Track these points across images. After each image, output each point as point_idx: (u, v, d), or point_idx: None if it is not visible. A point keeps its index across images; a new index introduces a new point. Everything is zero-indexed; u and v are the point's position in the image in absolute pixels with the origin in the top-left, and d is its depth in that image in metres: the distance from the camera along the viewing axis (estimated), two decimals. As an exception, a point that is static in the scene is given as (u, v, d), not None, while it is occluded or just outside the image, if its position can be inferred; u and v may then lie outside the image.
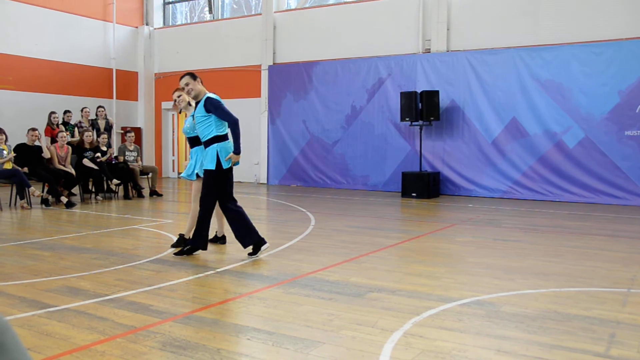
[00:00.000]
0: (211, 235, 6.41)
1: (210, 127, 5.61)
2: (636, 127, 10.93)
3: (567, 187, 11.58)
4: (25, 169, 9.99)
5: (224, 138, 5.70)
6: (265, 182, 15.64)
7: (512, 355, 3.13)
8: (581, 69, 11.37)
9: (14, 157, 9.95)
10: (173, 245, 6.22)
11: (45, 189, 10.28)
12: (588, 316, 3.84)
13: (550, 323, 3.69)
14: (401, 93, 12.65)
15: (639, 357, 3.12)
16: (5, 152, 9.81)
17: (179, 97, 6.30)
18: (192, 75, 5.72)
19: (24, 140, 10.47)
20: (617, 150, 11.10)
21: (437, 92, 12.36)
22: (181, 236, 6.25)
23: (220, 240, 6.55)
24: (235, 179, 17.98)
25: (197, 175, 6.11)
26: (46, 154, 10.36)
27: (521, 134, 12.02)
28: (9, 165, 9.78)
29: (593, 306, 4.09)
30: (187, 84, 5.69)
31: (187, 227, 6.25)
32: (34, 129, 10.46)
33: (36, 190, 9.88)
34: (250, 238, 5.74)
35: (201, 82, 5.80)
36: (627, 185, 11.02)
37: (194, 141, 6.24)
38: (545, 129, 11.76)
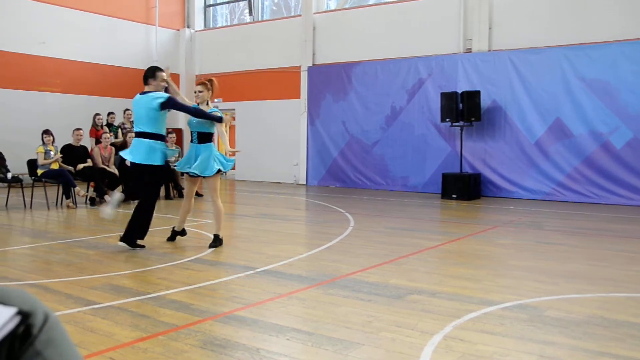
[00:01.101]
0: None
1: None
2: (687, 128, 10.55)
3: (613, 189, 11.25)
4: (72, 169, 10.25)
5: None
6: (305, 183, 15.68)
7: (557, 361, 3.05)
8: (630, 67, 11.02)
9: (61, 158, 10.22)
10: (211, 246, 6.29)
11: (90, 188, 10.54)
12: (637, 323, 3.72)
13: (597, 329, 3.59)
14: (442, 93, 12.51)
15: (691, 365, 3.01)
16: (52, 152, 10.09)
17: (200, 92, 6.44)
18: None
19: (71, 141, 10.74)
20: (666, 152, 10.73)
21: (479, 92, 12.18)
22: (216, 236, 6.37)
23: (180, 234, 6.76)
24: (274, 180, 18.03)
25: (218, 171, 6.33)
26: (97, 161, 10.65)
27: (565, 135, 11.74)
28: (55, 166, 10.05)
29: (641, 312, 3.96)
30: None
31: (216, 225, 6.41)
32: (78, 129, 10.73)
33: (81, 190, 10.13)
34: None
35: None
36: (677, 188, 10.65)
37: (202, 137, 6.39)
38: (590, 129, 11.45)
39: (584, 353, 3.17)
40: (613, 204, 11.02)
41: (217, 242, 6.30)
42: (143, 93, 6.14)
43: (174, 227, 6.71)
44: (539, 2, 12.25)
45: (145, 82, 6.18)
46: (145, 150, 5.90)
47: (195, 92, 6.49)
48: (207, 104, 6.56)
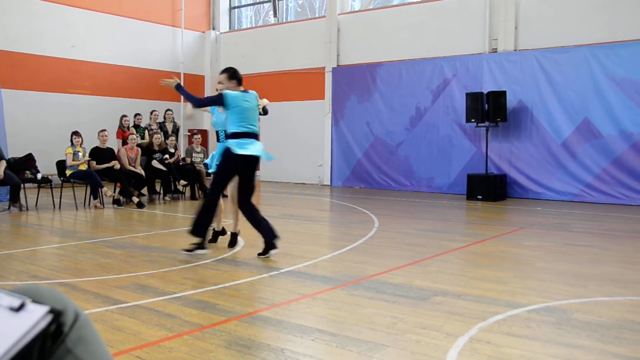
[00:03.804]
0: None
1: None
2: None
3: (643, 190, 11.04)
4: (94, 163, 10.39)
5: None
6: (329, 183, 15.68)
7: (585, 365, 3.00)
8: (660, 66, 10.81)
9: (89, 160, 10.37)
10: (229, 245, 6.41)
11: (117, 189, 10.68)
12: (668, 326, 3.64)
13: (628, 333, 3.52)
14: (467, 94, 12.40)
15: None
16: (80, 154, 10.25)
17: (220, 83, 6.12)
18: (229, 75, 5.92)
19: (98, 142, 10.90)
20: (699, 152, 10.49)
21: (504, 92, 12.05)
22: (233, 235, 6.51)
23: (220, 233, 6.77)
24: (298, 181, 18.07)
25: None
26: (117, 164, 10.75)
27: (594, 135, 11.54)
28: (83, 167, 10.21)
29: (673, 316, 3.88)
30: (220, 82, 6.02)
31: (235, 224, 6.49)
32: (103, 130, 10.85)
33: (108, 190, 10.27)
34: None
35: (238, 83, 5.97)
36: None
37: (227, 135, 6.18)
38: (620, 129, 11.24)
39: (615, 358, 3.11)
40: (643, 206, 10.81)
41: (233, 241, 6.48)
42: (245, 91, 5.91)
43: (214, 228, 6.65)
44: (566, 0, 12.07)
45: (240, 83, 5.99)
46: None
47: (217, 90, 6.20)
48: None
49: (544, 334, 3.50)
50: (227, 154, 5.79)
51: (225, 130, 6.12)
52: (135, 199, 10.36)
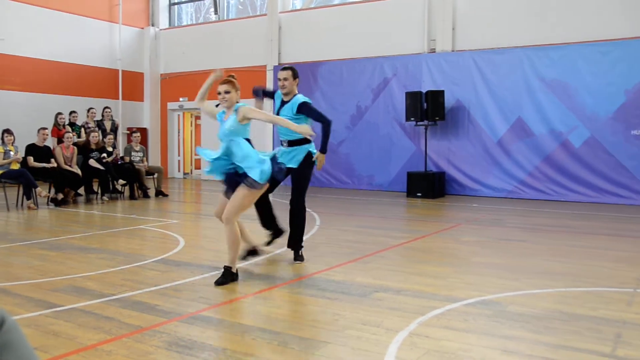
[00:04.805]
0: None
1: None
2: (642, 127, 10.90)
3: (572, 186, 11.55)
4: (32, 159, 10.06)
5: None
6: (271, 182, 15.62)
7: (518, 355, 3.12)
8: (588, 68, 11.33)
9: (21, 158, 10.00)
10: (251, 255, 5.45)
11: (52, 189, 10.34)
12: (594, 316, 3.83)
13: (557, 323, 3.68)
14: (406, 93, 12.64)
15: (645, 357, 3.11)
16: (12, 152, 9.86)
17: (226, 93, 4.85)
18: (295, 73, 5.75)
19: (31, 141, 10.52)
20: (623, 150, 11.06)
21: (443, 91, 12.35)
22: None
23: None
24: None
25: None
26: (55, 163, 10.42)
27: (527, 134, 11.99)
28: (15, 166, 9.82)
29: (599, 306, 4.08)
30: (285, 79, 5.71)
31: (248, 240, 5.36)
32: (43, 129, 10.56)
33: (43, 190, 9.92)
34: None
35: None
36: (633, 185, 10.98)
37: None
38: (550, 128, 11.73)
39: (545, 347, 3.25)
40: (572, 201, 11.30)
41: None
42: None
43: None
44: (502, 3, 12.47)
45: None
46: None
47: (219, 93, 4.86)
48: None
49: (480, 326, 3.62)
50: (310, 159, 5.70)
51: (289, 138, 5.85)
52: (61, 195, 10.13)
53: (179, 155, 18.63)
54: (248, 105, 4.87)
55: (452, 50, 12.98)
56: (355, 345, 3.28)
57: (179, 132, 18.64)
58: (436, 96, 12.23)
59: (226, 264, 4.73)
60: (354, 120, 14.10)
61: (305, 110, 5.60)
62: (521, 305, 4.08)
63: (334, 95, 14.39)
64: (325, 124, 5.61)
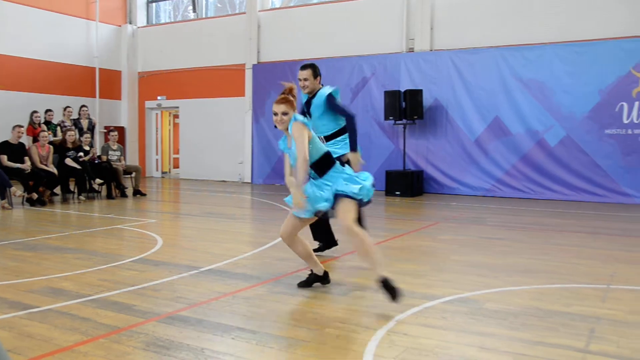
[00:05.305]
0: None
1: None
2: (616, 126, 11.09)
3: (548, 185, 11.70)
4: (5, 158, 9.91)
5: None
6: (250, 181, 15.61)
7: (495, 352, 3.16)
8: (563, 68, 11.49)
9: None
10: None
11: (27, 189, 10.19)
12: (569, 312, 3.89)
13: (532, 319, 3.73)
14: (385, 92, 12.69)
15: (618, 351, 3.17)
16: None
17: (284, 114, 4.25)
18: (315, 71, 5.49)
19: (5, 138, 10.36)
20: (597, 149, 11.24)
21: (421, 91, 12.42)
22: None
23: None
24: (219, 178, 17.78)
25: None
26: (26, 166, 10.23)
27: (504, 133, 12.12)
28: (-11, 165, 9.67)
29: (574, 302, 4.14)
30: (306, 79, 5.46)
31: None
32: (19, 126, 10.42)
33: (17, 190, 9.77)
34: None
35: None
36: (607, 183, 11.17)
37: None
38: (527, 127, 11.88)
39: (521, 343, 3.29)
40: (548, 199, 11.45)
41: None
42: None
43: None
44: (479, 4, 12.58)
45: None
46: None
47: (276, 114, 4.29)
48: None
49: (457, 324, 3.65)
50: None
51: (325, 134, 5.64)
52: (35, 195, 10.00)
53: (157, 154, 18.49)
54: (300, 120, 4.21)
55: (431, 50, 13.06)
56: (334, 343, 3.29)
57: (157, 131, 18.49)
58: (414, 95, 12.30)
59: (380, 276, 3.92)
60: (333, 119, 14.09)
61: (330, 103, 5.43)
62: (498, 303, 4.13)
63: (313, 94, 14.37)
64: (349, 118, 5.44)
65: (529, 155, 11.89)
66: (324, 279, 4.57)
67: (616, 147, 11.09)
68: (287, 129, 4.25)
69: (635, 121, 10.94)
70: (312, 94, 5.56)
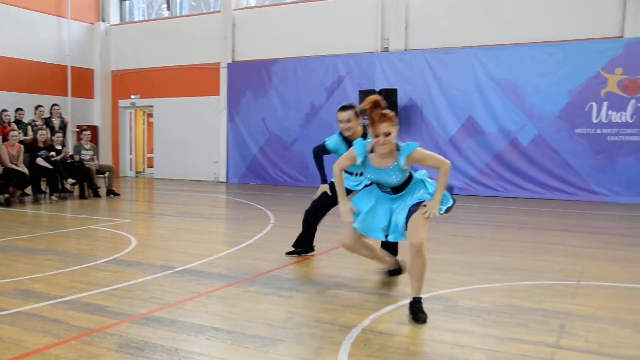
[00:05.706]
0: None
1: None
2: (585, 126, 11.29)
3: (521, 183, 11.87)
4: None
5: None
6: (225, 180, 15.53)
7: (468, 349, 3.20)
8: (535, 69, 11.66)
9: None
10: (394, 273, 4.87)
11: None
12: (540, 308, 3.95)
13: (504, 316, 3.79)
14: (360, 91, 12.73)
15: (587, 346, 3.24)
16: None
17: (386, 135, 3.91)
18: (357, 112, 5.19)
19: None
20: (568, 148, 11.44)
21: (395, 90, 12.49)
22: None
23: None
24: (194, 178, 17.60)
25: None
26: None
27: (477, 132, 12.26)
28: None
29: (545, 299, 4.21)
30: (348, 120, 5.17)
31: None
32: None
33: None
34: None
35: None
36: (577, 182, 11.37)
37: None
38: (500, 127, 12.03)
39: (493, 340, 3.34)
40: (521, 198, 11.63)
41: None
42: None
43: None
44: (453, 4, 12.70)
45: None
46: None
47: (377, 135, 3.90)
48: (365, 137, 4.98)
49: (431, 321, 3.68)
50: None
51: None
52: (2, 197, 9.84)
53: (130, 154, 18.29)
54: (417, 147, 4.16)
55: (405, 50, 13.14)
56: (309, 342, 3.30)
57: (130, 130, 18.28)
58: (389, 95, 12.35)
59: (418, 297, 3.82)
60: (308, 119, 14.12)
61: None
62: (471, 300, 4.18)
63: (288, 93, 14.38)
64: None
65: (502, 154, 12.04)
66: (399, 271, 4.70)
67: (586, 146, 11.30)
68: (390, 152, 4.02)
69: (604, 121, 11.17)
70: (354, 137, 5.19)
